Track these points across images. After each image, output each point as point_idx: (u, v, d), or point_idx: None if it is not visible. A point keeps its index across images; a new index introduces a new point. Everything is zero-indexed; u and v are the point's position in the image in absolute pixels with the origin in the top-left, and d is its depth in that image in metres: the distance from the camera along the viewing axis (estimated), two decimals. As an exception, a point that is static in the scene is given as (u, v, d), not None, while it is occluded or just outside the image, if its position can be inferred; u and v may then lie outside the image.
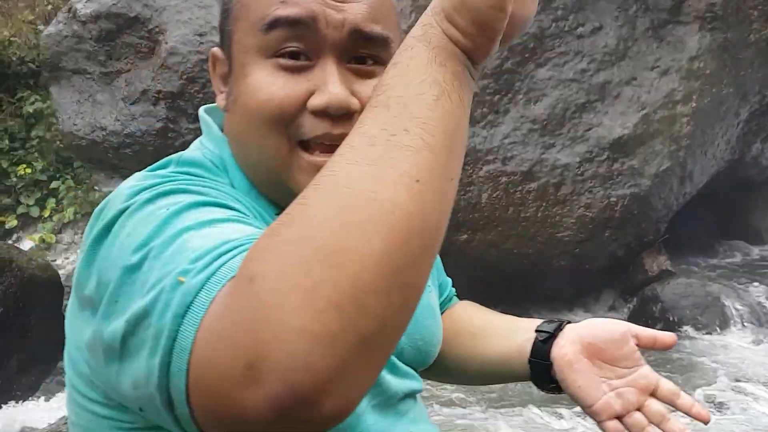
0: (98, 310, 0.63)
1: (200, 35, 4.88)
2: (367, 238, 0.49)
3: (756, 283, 5.03)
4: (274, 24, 0.73)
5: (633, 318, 4.91)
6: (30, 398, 4.77)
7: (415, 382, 0.88)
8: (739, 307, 4.73)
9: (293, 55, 0.74)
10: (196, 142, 0.84)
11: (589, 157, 5.00)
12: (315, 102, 0.73)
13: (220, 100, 0.81)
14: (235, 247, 0.56)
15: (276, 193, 0.78)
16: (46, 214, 6.68)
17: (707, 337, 4.60)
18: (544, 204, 4.91)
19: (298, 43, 0.74)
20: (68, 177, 6.79)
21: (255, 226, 0.66)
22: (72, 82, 5.14)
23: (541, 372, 0.91)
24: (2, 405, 4.69)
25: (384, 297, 0.48)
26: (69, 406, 0.77)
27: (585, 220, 4.92)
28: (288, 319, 0.46)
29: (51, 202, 6.71)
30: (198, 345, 0.51)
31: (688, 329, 4.69)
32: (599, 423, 0.88)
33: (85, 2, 5.05)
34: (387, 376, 0.82)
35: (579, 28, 5.25)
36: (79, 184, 6.81)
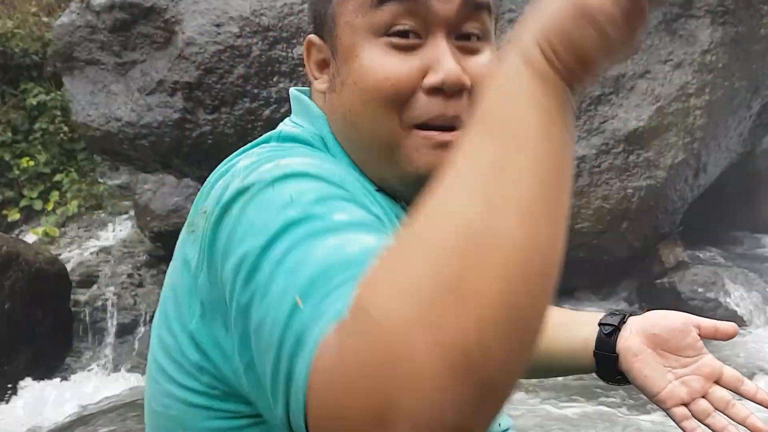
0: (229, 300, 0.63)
1: (217, 26, 4.84)
2: (487, 274, 0.45)
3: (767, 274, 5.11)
4: (383, 2, 0.74)
5: (650, 309, 4.96)
6: (38, 394, 4.71)
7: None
8: (756, 298, 4.79)
9: (403, 34, 0.74)
10: (286, 121, 0.84)
11: (605, 149, 5.04)
12: (431, 80, 0.73)
13: (320, 84, 0.81)
14: (354, 275, 0.53)
15: (379, 173, 0.79)
16: (50, 207, 6.62)
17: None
18: (562, 196, 4.94)
19: (408, 20, 0.74)
20: (72, 170, 6.73)
21: (374, 213, 0.66)
22: (85, 72, 5.08)
23: (607, 365, 0.95)
24: (11, 399, 4.64)
25: (505, 339, 0.45)
26: (155, 396, 0.75)
27: (603, 211, 4.96)
28: (419, 364, 0.43)
29: (54, 195, 6.65)
30: (316, 387, 0.48)
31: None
32: (666, 411, 0.91)
33: (99, -8, 4.99)
34: None
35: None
36: (83, 176, 6.76)
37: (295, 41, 4.81)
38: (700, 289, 4.91)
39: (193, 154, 4.86)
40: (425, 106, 0.74)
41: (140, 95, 4.93)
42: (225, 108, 4.77)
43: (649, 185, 5.03)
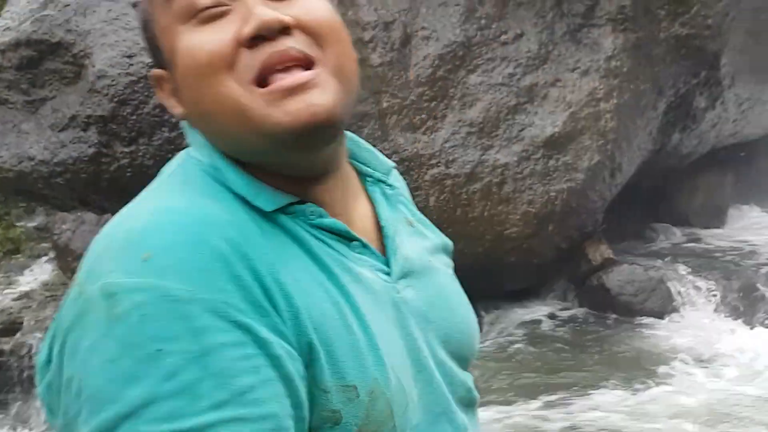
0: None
1: (129, 57, 4.78)
2: None
3: (690, 264, 5.34)
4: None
5: (583, 305, 5.11)
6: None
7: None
8: (680, 288, 5.00)
9: (209, 7, 0.71)
10: (183, 155, 0.79)
11: (525, 156, 5.20)
12: (245, 30, 0.69)
13: (175, 109, 0.77)
14: None
15: (262, 156, 0.72)
16: (-38, 256, 6.30)
17: (654, 319, 4.83)
18: (489, 203, 5.06)
19: None
20: (-15, 217, 6.44)
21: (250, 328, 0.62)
22: (-7, 113, 4.91)
23: None
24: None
25: None
26: None
27: (529, 216, 5.10)
28: None
29: (-34, 245, 6.34)
30: None
31: (636, 314, 4.91)
32: None
33: (3, 31, 4.86)
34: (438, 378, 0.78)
35: (502, 36, 5.49)
36: (-2, 222, 6.48)
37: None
38: (627, 284, 5.08)
39: (112, 189, 4.74)
40: (251, 57, 0.69)
41: (52, 132, 4.79)
42: (143, 139, 4.69)
43: (570, 187, 5.20)
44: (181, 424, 0.58)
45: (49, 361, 0.67)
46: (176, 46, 0.73)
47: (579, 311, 5.07)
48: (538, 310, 5.08)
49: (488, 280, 4.99)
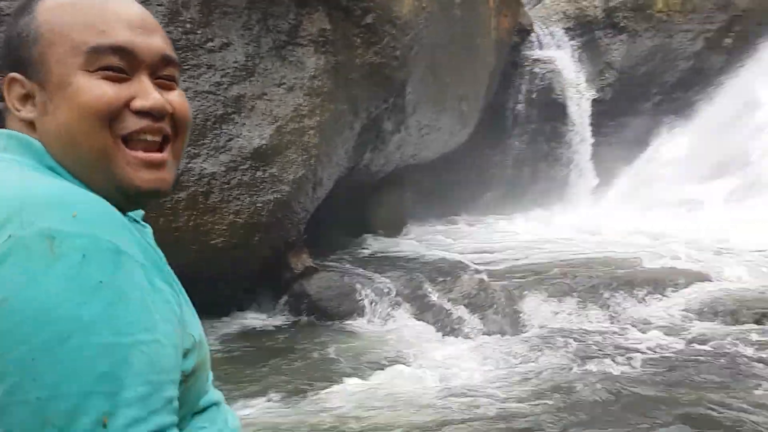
0: None
1: None
2: None
3: (379, 270, 5.92)
4: (97, 50, 0.94)
5: (288, 313, 5.37)
6: None
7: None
8: (370, 292, 5.52)
9: (114, 70, 0.94)
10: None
11: (233, 166, 5.31)
12: (139, 103, 0.94)
13: (26, 113, 0.96)
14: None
15: (102, 187, 0.92)
16: None
17: (353, 321, 5.28)
18: (195, 213, 5.06)
19: (119, 61, 0.95)
20: None
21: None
22: None
23: None
24: None
25: None
26: None
27: (236, 226, 5.21)
28: None
29: None
30: None
31: (333, 318, 5.32)
32: None
33: None
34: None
35: (209, 43, 5.54)
36: None
37: None
38: (327, 291, 5.47)
39: None
40: (133, 121, 0.94)
41: None
42: None
43: (276, 199, 5.44)
44: (123, 338, 0.78)
45: None
46: (72, 81, 0.93)
47: (284, 318, 5.32)
48: (245, 319, 5.21)
49: (194, 291, 4.99)
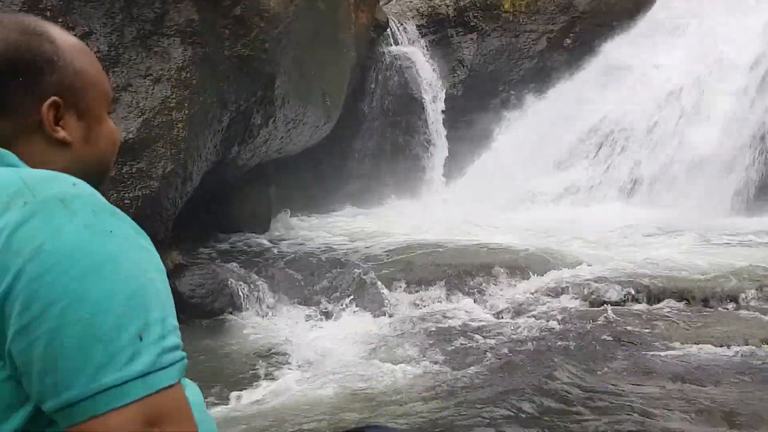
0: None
1: None
2: None
3: (248, 265, 5.99)
4: (113, 99, 1.32)
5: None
6: None
7: None
8: (243, 287, 5.58)
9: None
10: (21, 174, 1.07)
11: (100, 161, 5.16)
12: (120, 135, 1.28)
13: (66, 135, 1.14)
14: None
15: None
16: None
17: (227, 317, 5.32)
18: (60, 210, 4.88)
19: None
20: None
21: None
22: None
23: None
24: None
25: None
26: None
27: (103, 223, 5.07)
28: None
29: None
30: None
31: (208, 315, 5.33)
32: None
33: None
34: None
35: (71, 31, 5.32)
36: None
37: None
38: (198, 288, 5.46)
39: None
40: None
41: None
42: None
43: (145, 194, 5.35)
44: (140, 273, 0.96)
45: None
46: (103, 118, 1.19)
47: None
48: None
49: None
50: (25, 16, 1.15)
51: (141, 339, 0.91)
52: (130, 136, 5.38)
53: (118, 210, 1.01)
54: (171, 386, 0.93)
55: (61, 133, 1.12)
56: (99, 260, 0.92)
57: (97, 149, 1.17)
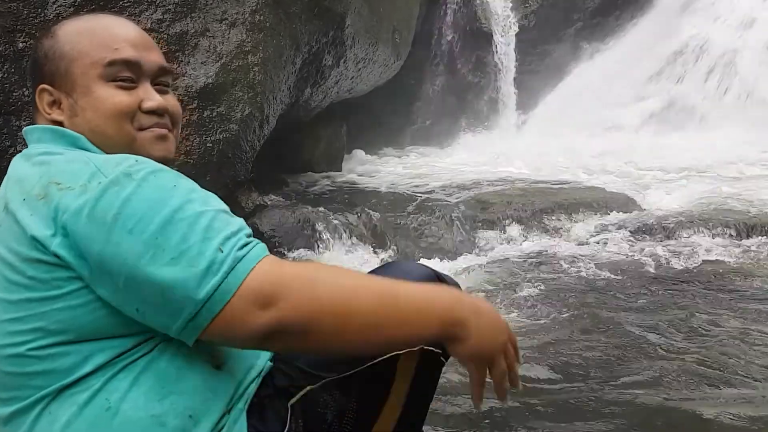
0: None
1: None
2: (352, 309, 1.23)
3: (326, 204, 6.30)
4: (113, 63, 1.37)
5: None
6: None
7: None
8: (322, 225, 5.90)
9: (124, 80, 1.38)
10: (41, 150, 1.33)
11: (182, 107, 5.49)
12: (147, 105, 1.39)
13: (56, 116, 1.37)
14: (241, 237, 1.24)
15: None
16: None
17: (308, 255, 5.67)
18: (148, 154, 5.26)
19: (128, 73, 1.38)
20: None
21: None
22: None
23: None
24: None
25: (331, 318, 1.21)
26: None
27: (187, 167, 5.44)
28: (306, 301, 1.21)
29: None
30: (260, 272, 1.20)
31: (290, 253, 5.69)
32: None
33: None
34: None
35: (146, -20, 5.62)
36: None
37: None
38: (280, 227, 5.83)
39: None
40: (145, 118, 1.39)
41: None
42: None
43: (225, 138, 5.69)
44: (208, 207, 1.22)
45: (54, 234, 1.19)
46: (94, 89, 1.36)
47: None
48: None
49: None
50: (68, 19, 1.45)
51: (221, 251, 1.17)
52: (210, 81, 5.69)
53: (174, 171, 1.26)
54: (258, 264, 1.19)
55: (52, 115, 1.37)
56: (176, 204, 1.18)
57: (83, 120, 1.35)
